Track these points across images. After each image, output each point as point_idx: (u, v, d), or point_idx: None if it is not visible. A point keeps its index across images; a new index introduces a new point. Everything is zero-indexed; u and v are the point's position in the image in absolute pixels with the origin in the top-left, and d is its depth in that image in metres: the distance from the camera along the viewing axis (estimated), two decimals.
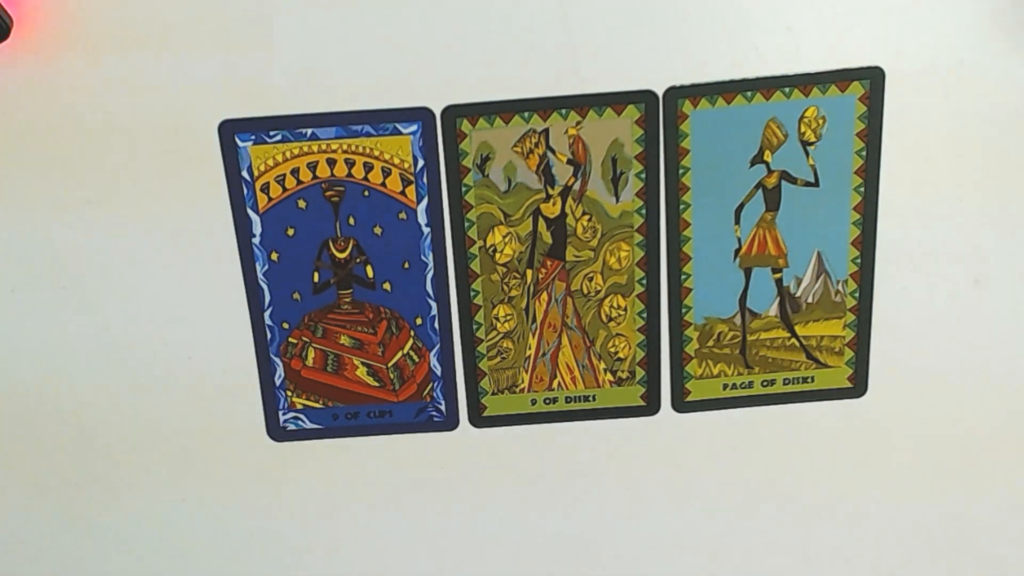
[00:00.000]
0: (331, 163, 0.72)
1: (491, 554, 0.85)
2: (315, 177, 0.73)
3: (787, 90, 0.71)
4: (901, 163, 0.73)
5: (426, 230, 0.74)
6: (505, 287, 0.76)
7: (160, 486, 0.82)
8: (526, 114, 0.71)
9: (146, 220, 0.73)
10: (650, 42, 0.69)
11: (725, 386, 0.79)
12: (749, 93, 0.71)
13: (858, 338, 0.78)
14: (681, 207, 0.74)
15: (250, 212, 0.73)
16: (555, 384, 0.79)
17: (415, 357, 0.78)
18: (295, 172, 0.72)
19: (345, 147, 0.72)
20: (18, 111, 0.70)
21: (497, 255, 0.75)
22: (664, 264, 0.75)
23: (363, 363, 0.78)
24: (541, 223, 0.74)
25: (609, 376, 0.78)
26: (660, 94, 0.71)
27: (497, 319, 0.77)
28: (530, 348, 0.78)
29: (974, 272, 0.76)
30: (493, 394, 0.79)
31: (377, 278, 0.75)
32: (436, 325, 0.77)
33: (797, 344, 0.78)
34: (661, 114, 0.71)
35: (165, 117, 0.70)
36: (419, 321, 0.77)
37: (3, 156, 0.71)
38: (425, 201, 0.73)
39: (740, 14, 0.69)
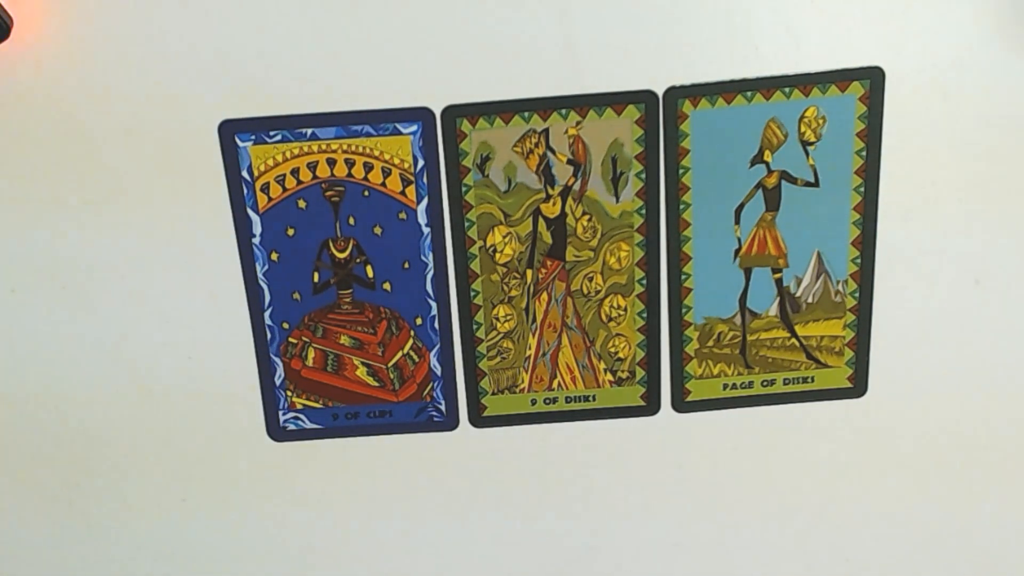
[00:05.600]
0: (331, 163, 0.72)
1: (491, 554, 0.85)
2: (315, 177, 0.73)
3: (787, 90, 0.71)
4: (901, 163, 0.73)
5: (426, 230, 0.74)
6: (505, 287, 0.76)
7: (160, 486, 0.82)
8: (526, 114, 0.71)
9: (146, 220, 0.73)
10: (650, 42, 0.69)
11: (725, 386, 0.79)
12: (749, 93, 0.71)
13: (858, 338, 0.78)
14: (681, 207, 0.74)
15: (250, 212, 0.73)
16: (555, 384, 0.79)
17: (415, 357, 0.78)
18: (295, 172, 0.72)
19: (345, 147, 0.72)
20: (18, 111, 0.70)
21: (497, 255, 0.75)
22: (664, 264, 0.75)
23: (363, 363, 0.78)
24: (541, 223, 0.74)
25: (609, 376, 0.78)
26: (660, 94, 0.71)
27: (497, 319, 0.77)
28: (530, 348, 0.78)
29: (974, 272, 0.76)
30: (493, 394, 0.79)
31: (377, 278, 0.75)
32: (436, 325, 0.77)
33: (797, 344, 0.78)
34: (661, 114, 0.71)
35: (165, 117, 0.70)
36: (419, 321, 0.77)
37: (3, 156, 0.71)
38: (425, 201, 0.73)
39: (740, 14, 0.69)
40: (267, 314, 0.76)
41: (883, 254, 0.75)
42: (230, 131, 0.71)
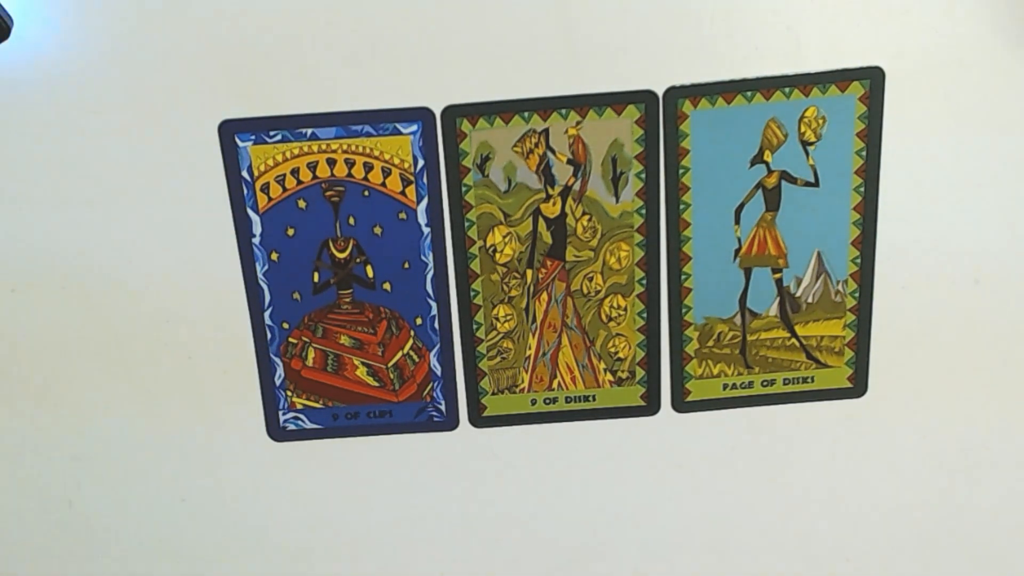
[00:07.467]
0: (331, 163, 0.72)
1: (491, 554, 0.85)
2: (315, 177, 0.73)
3: (787, 90, 0.71)
4: (901, 163, 0.73)
5: (426, 230, 0.74)
6: (505, 287, 0.76)
7: (160, 486, 0.82)
8: (526, 114, 0.71)
9: (146, 220, 0.73)
10: (650, 42, 0.69)
11: (725, 386, 0.79)
12: (749, 93, 0.71)
13: (858, 338, 0.78)
14: (681, 207, 0.74)
15: (250, 212, 0.73)
16: (555, 384, 0.79)
17: (415, 357, 0.78)
18: (295, 172, 0.72)
19: (345, 147, 0.72)
20: (18, 111, 0.70)
21: (497, 255, 0.75)
22: (664, 264, 0.75)
23: (363, 363, 0.78)
24: (541, 223, 0.74)
25: (609, 376, 0.78)
26: (660, 94, 0.71)
27: (497, 319, 0.77)
28: (530, 348, 0.78)
29: (974, 272, 0.76)
30: (493, 394, 0.79)
31: (377, 278, 0.75)
32: (436, 325, 0.77)
33: (797, 344, 0.78)
34: (661, 114, 0.71)
35: (165, 117, 0.70)
36: (419, 321, 0.77)
37: (3, 156, 0.71)
38: (425, 201, 0.73)
39: (740, 14, 0.69)
40: (267, 314, 0.76)
41: (883, 254, 0.75)
42: (230, 131, 0.71)
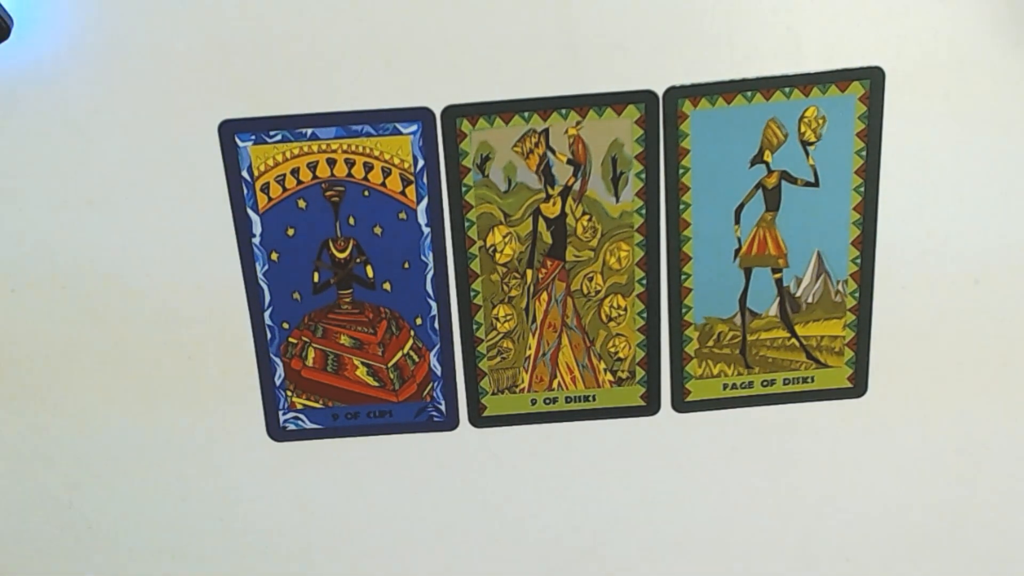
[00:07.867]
0: (331, 163, 0.72)
1: (491, 554, 0.85)
2: (315, 177, 0.73)
3: (787, 90, 0.71)
4: (901, 163, 0.73)
5: (426, 230, 0.74)
6: (505, 287, 0.76)
7: (160, 485, 0.82)
8: (526, 114, 0.71)
9: (146, 220, 0.73)
10: (650, 42, 0.69)
11: (725, 386, 0.79)
12: (749, 93, 0.71)
13: (858, 338, 0.78)
14: (681, 207, 0.74)
15: (250, 212, 0.73)
16: (555, 384, 0.79)
17: (415, 357, 0.78)
18: (295, 172, 0.72)
19: (345, 147, 0.72)
20: (18, 111, 0.70)
21: (497, 255, 0.75)
22: (664, 264, 0.75)
23: (363, 363, 0.78)
24: (541, 223, 0.74)
25: (609, 376, 0.78)
26: (660, 94, 0.71)
27: (497, 319, 0.77)
28: (530, 348, 0.78)
29: (974, 272, 0.76)
30: (493, 394, 0.79)
31: (377, 278, 0.75)
32: (436, 325, 0.77)
33: (797, 344, 0.78)
34: (661, 114, 0.71)
35: (165, 117, 0.70)
36: (419, 321, 0.77)
37: (3, 156, 0.71)
38: (425, 201, 0.73)
39: (740, 14, 0.69)
40: (267, 314, 0.76)
41: (883, 254, 0.75)
42: (230, 131, 0.71)
